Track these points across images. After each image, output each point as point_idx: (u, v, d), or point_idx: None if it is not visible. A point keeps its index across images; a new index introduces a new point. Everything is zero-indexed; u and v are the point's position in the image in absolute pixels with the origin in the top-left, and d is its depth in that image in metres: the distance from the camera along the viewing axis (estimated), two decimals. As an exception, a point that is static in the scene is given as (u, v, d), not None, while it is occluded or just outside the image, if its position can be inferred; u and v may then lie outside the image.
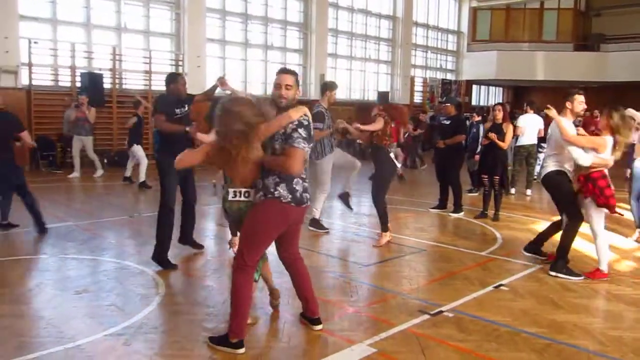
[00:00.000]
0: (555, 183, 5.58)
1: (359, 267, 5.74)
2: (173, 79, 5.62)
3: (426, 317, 4.27)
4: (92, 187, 10.82)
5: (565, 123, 5.40)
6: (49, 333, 3.83)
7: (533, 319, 4.30)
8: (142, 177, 10.50)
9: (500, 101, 27.16)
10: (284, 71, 3.81)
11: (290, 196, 3.60)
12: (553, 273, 5.41)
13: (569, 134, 5.30)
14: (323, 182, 7.10)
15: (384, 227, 6.57)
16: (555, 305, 4.62)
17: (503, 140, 8.06)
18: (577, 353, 3.72)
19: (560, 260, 5.45)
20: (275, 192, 3.58)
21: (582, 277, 5.33)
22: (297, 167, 3.54)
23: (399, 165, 6.77)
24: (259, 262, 3.91)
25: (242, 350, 3.57)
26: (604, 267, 5.37)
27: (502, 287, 5.06)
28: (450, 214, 8.51)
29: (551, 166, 5.57)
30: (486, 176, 8.28)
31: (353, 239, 7.02)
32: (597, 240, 5.39)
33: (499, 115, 8.22)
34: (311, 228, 7.04)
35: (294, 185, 3.63)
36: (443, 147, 8.64)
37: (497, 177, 8.17)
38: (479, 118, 10.42)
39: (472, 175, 10.65)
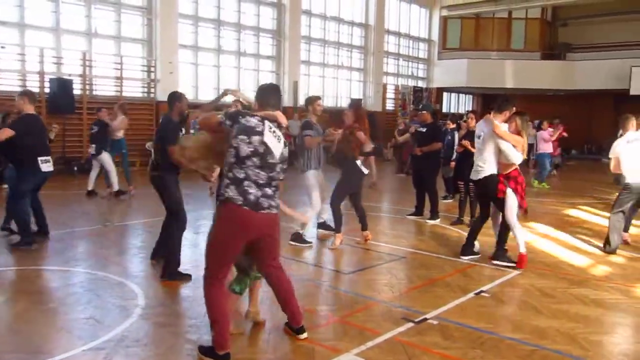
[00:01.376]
0: (494, 185, 6.06)
1: (339, 274, 5.72)
2: (178, 97, 5.56)
3: (410, 324, 4.27)
4: (62, 196, 10.53)
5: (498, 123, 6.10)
6: (25, 348, 3.69)
7: (516, 325, 4.34)
8: (116, 186, 10.19)
9: (472, 108, 27.63)
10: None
11: (241, 199, 3.45)
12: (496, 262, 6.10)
13: (500, 129, 5.88)
14: (309, 195, 7.04)
15: (338, 229, 6.82)
16: (537, 311, 4.67)
17: (477, 147, 8.14)
18: (561, 359, 3.76)
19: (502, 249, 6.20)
20: (226, 194, 3.47)
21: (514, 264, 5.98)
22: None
23: (366, 171, 6.85)
24: (245, 278, 3.88)
25: None
26: (523, 250, 5.99)
27: (483, 294, 5.10)
28: (427, 221, 8.56)
29: (489, 169, 6.05)
30: (462, 183, 8.36)
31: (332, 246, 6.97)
32: (514, 230, 6.00)
33: (472, 122, 8.31)
34: (292, 243, 6.77)
35: (246, 188, 3.47)
36: (420, 154, 8.70)
37: (472, 184, 8.25)
38: (454, 125, 10.51)
39: (446, 181, 10.73)
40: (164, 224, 5.72)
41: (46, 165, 6.48)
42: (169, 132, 5.36)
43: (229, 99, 6.05)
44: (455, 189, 8.99)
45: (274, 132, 3.57)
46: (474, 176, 6.30)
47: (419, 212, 8.90)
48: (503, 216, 6.06)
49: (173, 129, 5.44)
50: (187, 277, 5.26)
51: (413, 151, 8.99)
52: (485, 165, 6.07)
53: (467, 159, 8.26)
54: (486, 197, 6.24)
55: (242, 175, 3.47)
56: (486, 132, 6.04)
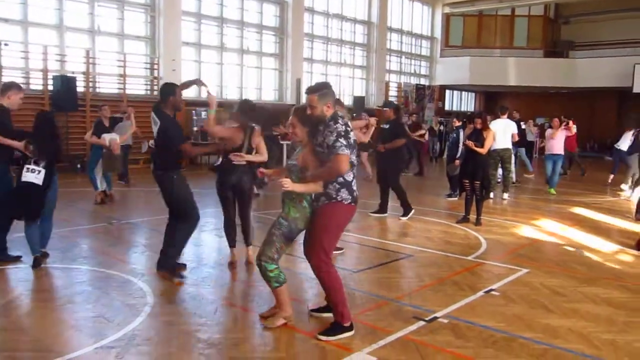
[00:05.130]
0: None
1: (348, 273, 5.68)
2: (172, 91, 5.14)
3: (422, 323, 4.25)
4: (64, 194, 10.51)
5: None
6: (35, 347, 3.68)
7: (527, 324, 4.31)
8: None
9: (475, 106, 27.63)
10: (306, 91, 4.03)
11: (350, 197, 3.95)
12: None
13: None
14: None
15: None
16: (547, 310, 4.65)
17: (482, 147, 8.11)
18: (574, 358, 3.74)
19: None
20: (338, 197, 3.90)
21: None
22: (342, 169, 3.79)
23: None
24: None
25: (353, 332, 3.97)
26: None
27: (492, 292, 5.07)
28: (401, 218, 8.49)
29: None
30: (467, 181, 8.33)
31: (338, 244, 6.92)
32: None
33: (479, 125, 8.26)
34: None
35: (353, 187, 3.98)
36: (383, 152, 8.59)
37: (478, 182, 8.22)
38: (459, 123, 10.49)
39: (451, 179, 10.71)
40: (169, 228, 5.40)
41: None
42: (178, 131, 5.23)
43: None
44: (461, 188, 8.93)
45: None
46: None
47: (383, 210, 8.78)
48: None
49: (179, 126, 5.31)
50: (179, 274, 5.24)
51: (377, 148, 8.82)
52: None
53: (472, 158, 8.25)
54: None
55: (350, 178, 3.95)
56: None
